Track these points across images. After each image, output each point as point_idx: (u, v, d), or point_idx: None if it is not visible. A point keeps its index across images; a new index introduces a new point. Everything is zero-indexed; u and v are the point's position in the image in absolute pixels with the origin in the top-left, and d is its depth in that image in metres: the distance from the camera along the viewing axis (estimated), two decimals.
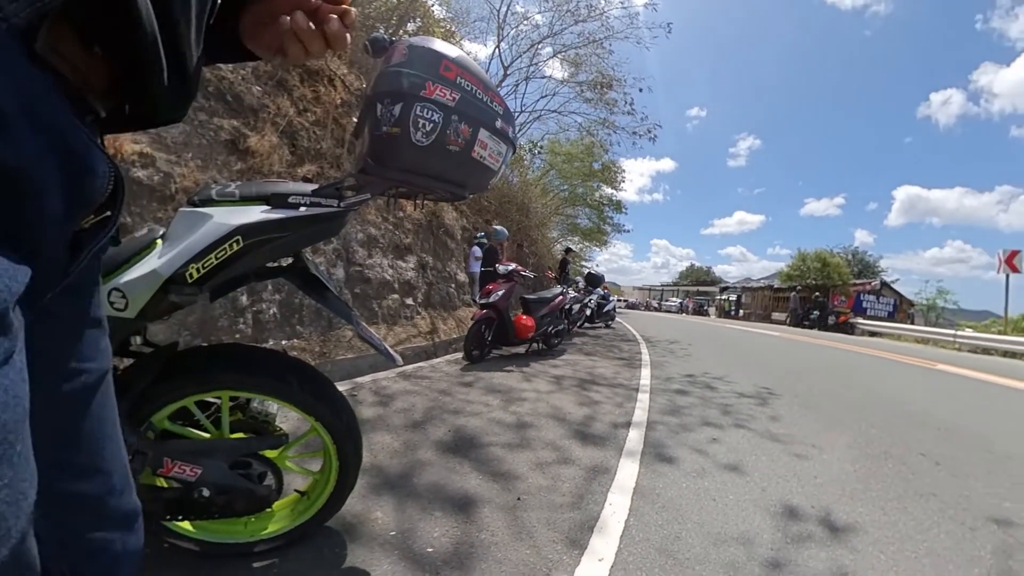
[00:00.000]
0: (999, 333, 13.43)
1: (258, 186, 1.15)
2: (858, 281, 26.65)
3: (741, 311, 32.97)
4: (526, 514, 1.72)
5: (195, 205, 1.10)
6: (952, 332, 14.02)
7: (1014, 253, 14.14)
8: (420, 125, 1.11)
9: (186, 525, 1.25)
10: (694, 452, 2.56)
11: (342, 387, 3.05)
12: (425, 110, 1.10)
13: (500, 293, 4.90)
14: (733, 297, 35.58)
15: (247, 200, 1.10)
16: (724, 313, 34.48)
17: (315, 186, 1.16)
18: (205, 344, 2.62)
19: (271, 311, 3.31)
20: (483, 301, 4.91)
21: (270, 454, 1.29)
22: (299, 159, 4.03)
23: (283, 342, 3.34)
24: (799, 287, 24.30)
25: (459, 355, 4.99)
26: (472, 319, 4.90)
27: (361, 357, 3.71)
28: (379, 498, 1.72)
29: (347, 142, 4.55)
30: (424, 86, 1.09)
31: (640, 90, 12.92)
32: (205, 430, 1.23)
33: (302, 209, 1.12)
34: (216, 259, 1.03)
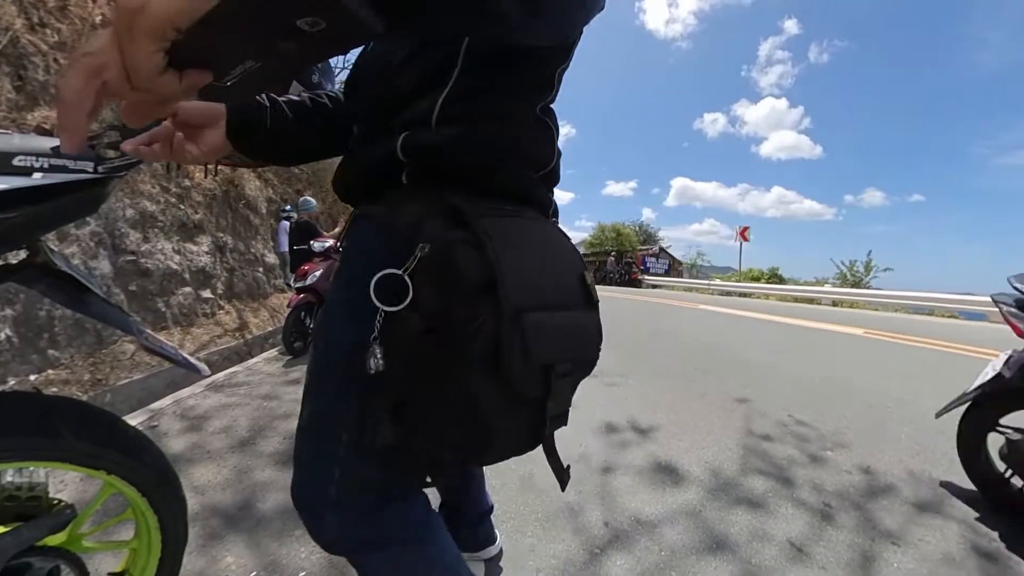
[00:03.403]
0: (737, 281, 21.29)
1: None
2: (643, 247, 34.35)
3: None
4: None
5: None
6: (707, 282, 20.92)
7: (745, 228, 22.15)
8: None
9: None
10: None
11: (134, 420, 2.36)
12: None
13: (318, 273, 4.43)
14: None
15: None
16: None
17: (58, 141, 0.84)
18: None
19: (2, 334, 2.32)
20: (299, 284, 4.37)
21: (55, 540, 0.89)
22: (30, 99, 2.73)
23: (32, 377, 2.35)
24: (614, 252, 30.01)
25: (279, 350, 4.43)
26: (288, 306, 4.33)
27: (153, 375, 2.90)
28: (223, 542, 1.44)
29: None
30: None
31: None
32: None
33: (37, 176, 0.78)
34: None
